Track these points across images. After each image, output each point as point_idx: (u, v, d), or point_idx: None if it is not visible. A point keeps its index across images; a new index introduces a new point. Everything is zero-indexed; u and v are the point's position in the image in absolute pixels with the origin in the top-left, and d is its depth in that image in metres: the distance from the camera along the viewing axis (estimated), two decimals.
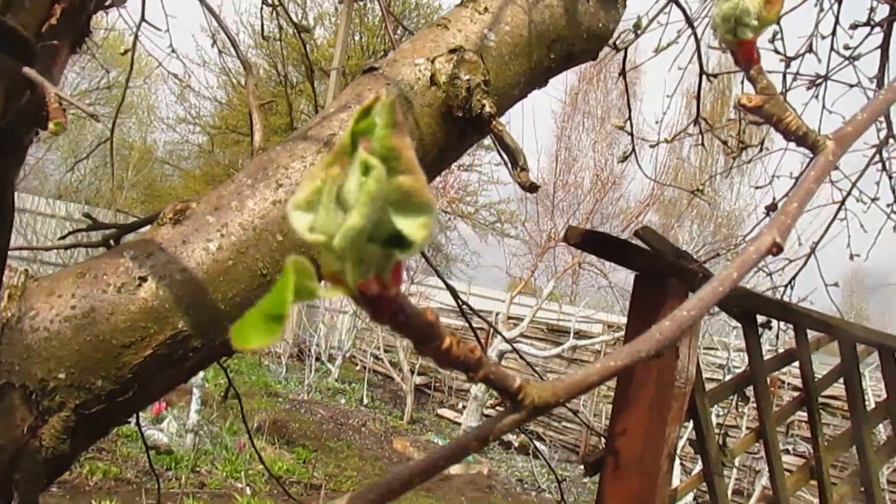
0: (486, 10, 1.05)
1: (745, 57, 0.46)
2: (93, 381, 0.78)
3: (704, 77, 2.87)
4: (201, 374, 6.49)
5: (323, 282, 0.27)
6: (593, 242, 1.78)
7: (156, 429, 6.57)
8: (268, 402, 9.00)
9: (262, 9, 2.08)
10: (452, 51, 0.98)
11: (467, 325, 1.83)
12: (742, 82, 2.97)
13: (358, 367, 12.78)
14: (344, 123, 0.94)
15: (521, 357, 2.34)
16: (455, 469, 7.62)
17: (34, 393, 0.75)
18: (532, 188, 0.96)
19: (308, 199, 0.26)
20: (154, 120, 19.79)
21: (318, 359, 11.33)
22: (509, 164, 0.99)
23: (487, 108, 0.97)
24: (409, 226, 0.25)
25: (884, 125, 3.18)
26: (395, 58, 1.01)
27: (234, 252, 0.85)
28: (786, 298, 3.82)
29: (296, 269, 0.25)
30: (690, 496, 5.91)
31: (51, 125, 0.56)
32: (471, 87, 0.96)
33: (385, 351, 11.08)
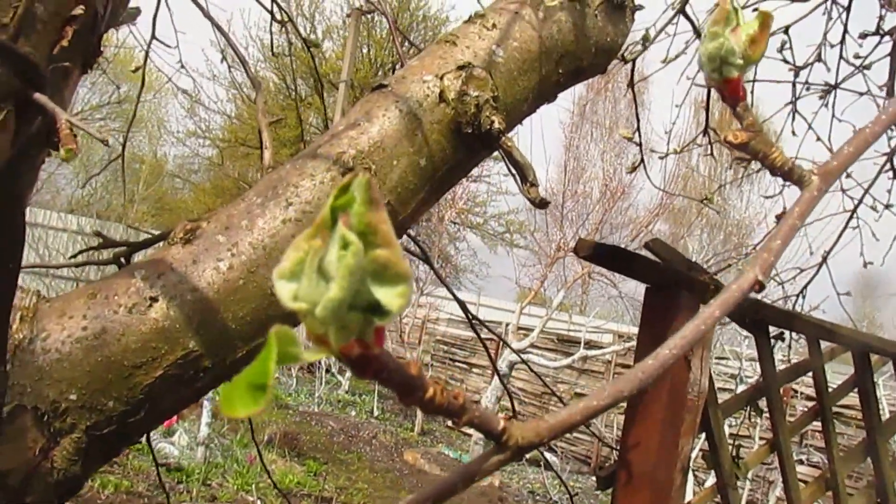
0: (494, 26, 1.05)
1: (732, 94, 0.47)
2: (104, 403, 0.78)
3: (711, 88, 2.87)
4: (216, 388, 6.48)
5: (308, 343, 0.29)
6: (603, 255, 1.77)
7: (167, 442, 6.58)
8: (278, 414, 9.00)
9: (271, 24, 2.09)
10: (461, 67, 0.98)
11: (477, 336, 1.82)
12: (752, 91, 2.96)
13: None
14: (353, 141, 0.94)
15: (530, 368, 2.33)
16: None
17: (46, 415, 0.75)
18: (542, 204, 0.96)
19: (292, 269, 0.28)
20: (164, 134, 19.92)
21: (328, 370, 11.33)
22: (518, 180, 0.99)
23: (496, 125, 0.97)
24: (386, 295, 0.27)
25: (894, 133, 3.17)
26: (403, 74, 1.01)
27: (244, 271, 0.85)
28: (798, 308, 3.80)
29: (279, 338, 0.27)
30: None
31: (62, 151, 0.56)
32: (480, 104, 0.96)
33: None
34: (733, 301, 0.43)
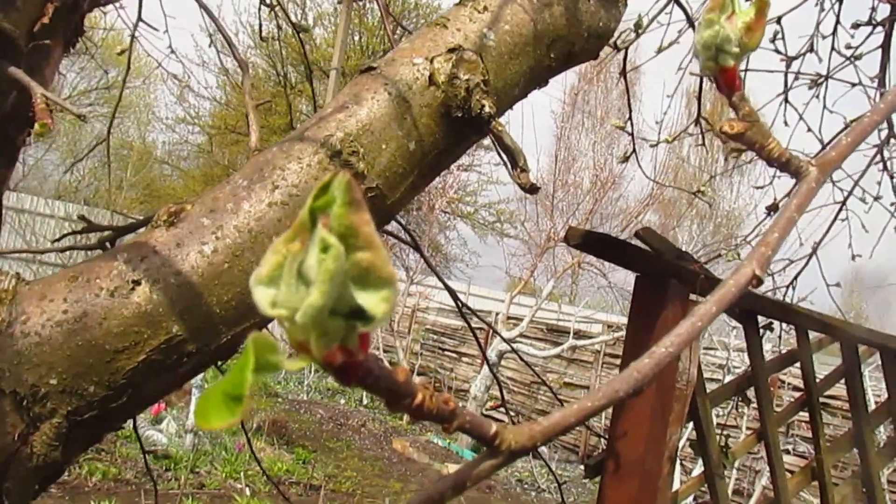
0: (485, 8, 1.03)
1: (727, 84, 0.46)
2: (85, 387, 0.76)
3: (705, 77, 2.86)
4: (200, 374, 6.47)
5: (289, 351, 0.28)
6: (594, 244, 1.77)
7: (155, 429, 6.56)
8: (267, 402, 8.99)
9: (259, 9, 2.07)
10: (451, 50, 0.97)
11: (467, 325, 1.81)
12: (744, 79, 2.95)
13: None
14: (341, 124, 0.92)
15: (520, 358, 2.33)
16: (454, 470, 7.60)
17: (25, 399, 0.74)
18: (532, 189, 0.95)
19: (270, 274, 0.26)
20: (153, 120, 19.77)
21: None
22: (509, 165, 0.98)
23: (487, 109, 0.95)
24: (369, 300, 0.26)
25: (885, 125, 3.17)
26: (393, 57, 1.00)
27: (229, 255, 0.83)
28: (787, 299, 3.81)
29: (257, 346, 0.26)
30: (690, 496, 5.89)
31: (36, 126, 0.55)
32: (470, 87, 0.95)
33: (385, 351, 11.06)
34: (730, 297, 0.42)
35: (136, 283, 0.79)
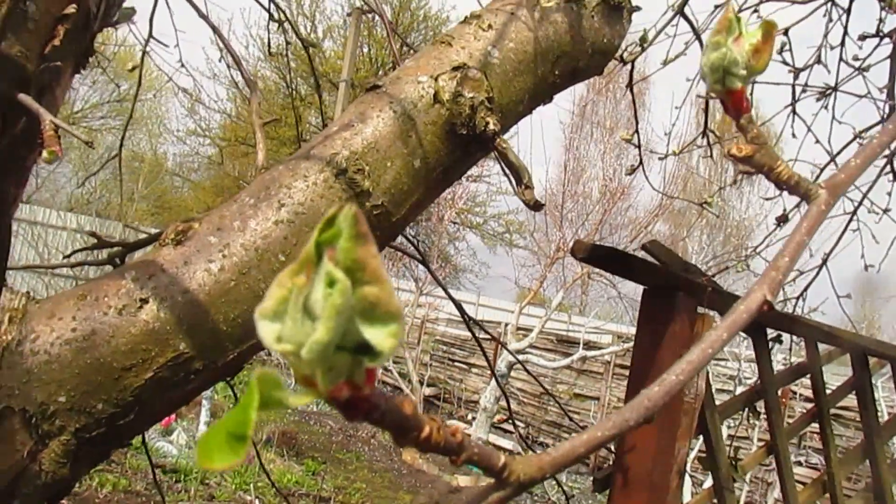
0: (489, 27, 1.04)
1: (735, 106, 0.46)
2: (93, 405, 0.77)
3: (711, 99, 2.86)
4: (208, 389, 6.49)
5: (294, 386, 0.27)
6: (600, 257, 1.77)
7: (165, 441, 6.57)
8: (277, 413, 8.99)
9: (268, 24, 2.08)
10: (456, 68, 0.98)
11: (474, 339, 1.81)
12: (752, 92, 2.95)
13: None
14: (346, 142, 0.93)
15: (527, 371, 2.32)
16: (464, 482, 7.58)
17: (34, 417, 0.74)
18: (536, 206, 0.95)
19: (275, 308, 0.26)
20: (164, 132, 19.91)
21: None
22: (513, 182, 0.99)
23: (491, 126, 0.96)
24: (376, 335, 0.26)
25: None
26: (398, 75, 1.01)
27: (235, 273, 0.84)
28: (798, 310, 3.79)
29: (261, 383, 0.26)
30: None
31: (45, 153, 0.56)
32: (474, 105, 0.95)
33: (394, 362, 11.05)
34: (741, 323, 0.42)
35: (144, 301, 0.80)
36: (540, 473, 0.34)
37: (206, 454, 0.26)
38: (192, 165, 19.92)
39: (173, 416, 7.04)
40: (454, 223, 14.47)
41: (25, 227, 11.66)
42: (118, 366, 0.78)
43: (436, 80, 0.97)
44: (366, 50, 15.03)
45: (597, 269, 10.28)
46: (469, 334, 11.50)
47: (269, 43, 2.02)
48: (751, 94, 2.97)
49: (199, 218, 0.89)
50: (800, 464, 6.11)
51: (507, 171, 0.99)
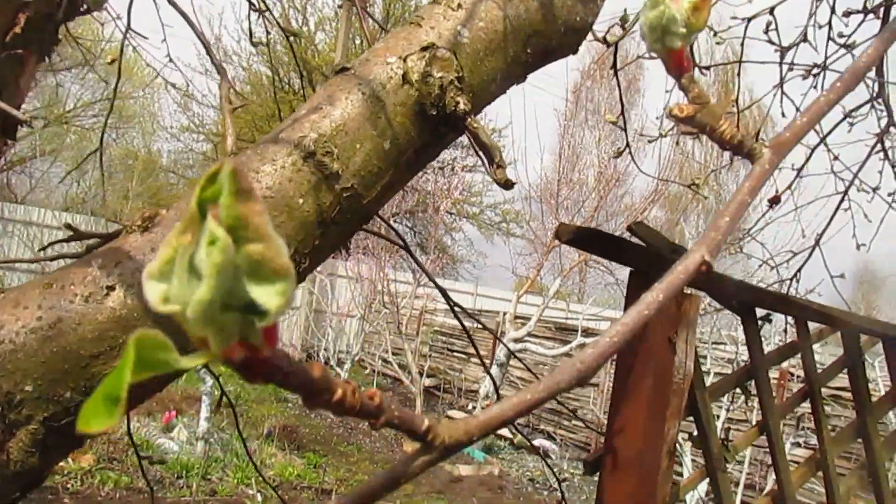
0: (459, 6, 1.03)
1: (676, 65, 0.45)
2: (61, 393, 0.77)
3: (700, 73, 2.85)
4: (209, 381, 6.50)
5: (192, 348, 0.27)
6: (585, 239, 1.76)
7: (166, 437, 6.58)
8: (277, 407, 9.01)
9: (249, 14, 2.07)
10: (425, 48, 0.97)
11: (475, 327, 1.81)
12: (738, 74, 2.94)
13: (367, 371, 12.79)
14: (315, 125, 0.92)
15: (521, 361, 2.32)
16: (465, 470, 7.60)
17: (0, 406, 0.74)
18: (507, 185, 0.95)
19: (161, 268, 0.26)
20: (157, 129, 19.86)
21: (326, 363, 11.34)
22: (485, 162, 0.98)
23: (462, 106, 0.95)
24: (262, 294, 0.25)
25: (884, 113, 3.15)
26: (367, 57, 1.00)
27: None
28: (792, 291, 3.79)
29: (141, 345, 0.25)
30: (702, 492, 5.87)
31: None
32: (444, 85, 0.95)
33: (394, 354, 11.07)
34: (678, 283, 0.42)
35: (111, 288, 0.80)
36: (466, 437, 0.34)
37: (84, 419, 0.25)
38: (187, 162, 19.88)
39: (174, 412, 7.05)
40: (450, 214, 14.47)
41: (21, 227, 11.66)
42: (85, 353, 0.78)
43: (404, 60, 0.96)
44: (358, 41, 14.98)
45: (594, 256, 10.27)
46: (468, 324, 11.51)
47: (250, 32, 2.00)
48: (738, 74, 2.97)
49: (167, 206, 0.88)
50: (798, 445, 6.12)
51: (479, 152, 0.99)
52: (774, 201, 3.02)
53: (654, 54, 0.45)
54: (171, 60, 3.39)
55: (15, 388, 0.75)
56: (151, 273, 0.26)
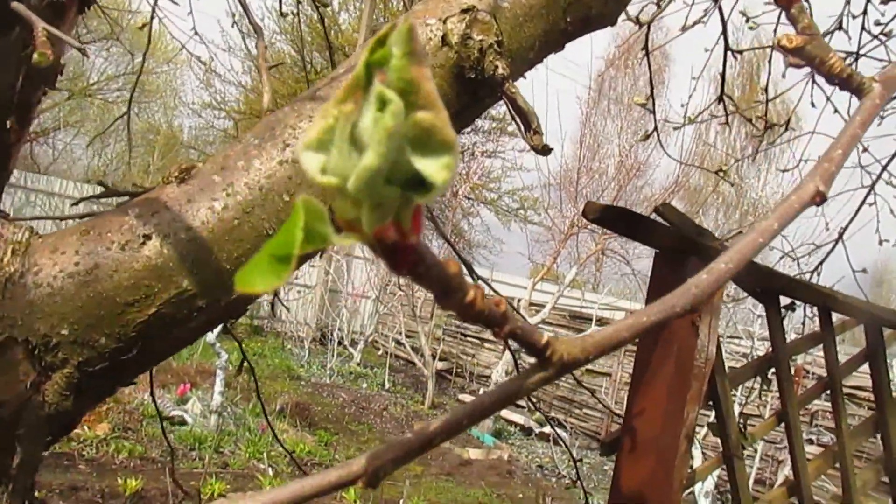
0: None
1: None
2: (96, 339, 0.77)
3: (731, 57, 2.82)
4: (224, 356, 6.55)
5: (337, 229, 0.25)
6: (612, 218, 1.75)
7: (180, 409, 6.65)
8: (290, 385, 9.07)
9: None
10: (465, 11, 0.96)
11: None
12: (769, 61, 2.91)
13: (380, 352, 12.84)
14: None
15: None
16: (475, 454, 7.63)
17: (37, 348, 0.75)
18: (545, 150, 0.94)
19: (320, 138, 0.24)
20: (179, 105, 19.92)
21: (340, 343, 11.40)
22: (522, 128, 0.97)
23: (500, 70, 0.94)
24: (429, 166, 0.23)
25: None
26: (406, 19, 0.99)
27: (239, 212, 0.83)
28: None
29: (306, 209, 0.23)
30: (712, 484, 5.86)
31: (35, 55, 0.55)
32: (483, 48, 0.94)
33: (407, 336, 11.11)
34: (792, 213, 0.39)
35: (147, 237, 0.80)
36: (584, 354, 0.32)
37: (246, 279, 0.24)
38: (208, 138, 19.92)
39: (188, 384, 7.11)
40: (468, 199, 14.44)
41: (43, 197, 11.77)
42: (121, 301, 0.78)
43: (444, 22, 0.95)
44: (382, 21, 14.93)
45: (611, 246, 10.24)
46: None
47: (280, 3, 2.00)
48: (769, 62, 2.92)
49: (205, 158, 0.88)
50: (811, 441, 6.09)
51: (516, 117, 0.98)
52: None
53: None
54: (196, 33, 3.40)
55: (51, 330, 0.75)
56: (309, 143, 0.24)
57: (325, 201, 0.24)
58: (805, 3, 2.58)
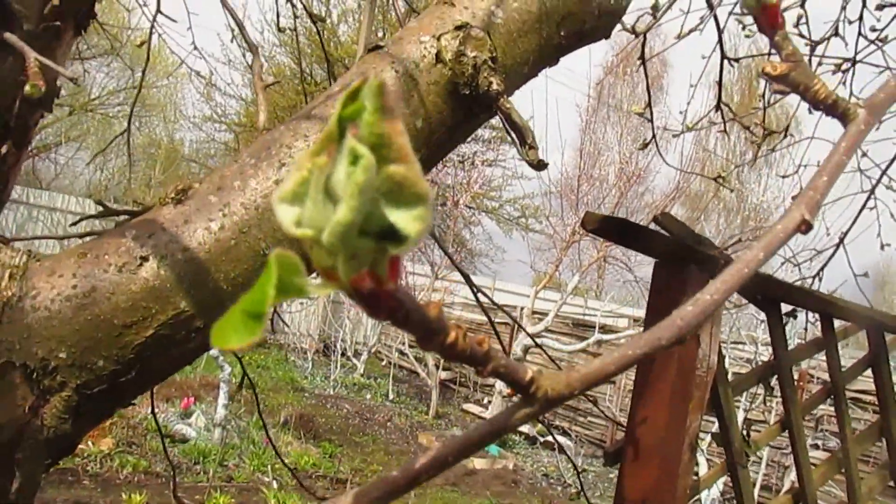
0: None
1: (770, 22, 0.43)
2: (94, 361, 0.77)
3: (728, 64, 2.82)
4: (228, 369, 6.54)
5: (315, 276, 0.25)
6: (611, 228, 1.75)
7: (184, 423, 6.64)
8: (294, 396, 9.06)
9: (276, 1, 2.08)
10: (459, 27, 0.96)
11: (488, 319, 1.80)
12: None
13: (383, 363, 12.82)
14: None
15: (545, 351, 2.31)
16: (480, 464, 7.61)
17: (35, 372, 0.75)
18: (540, 165, 0.94)
19: (294, 190, 0.24)
20: (180, 118, 19.97)
21: (343, 354, 11.39)
22: (517, 143, 0.97)
23: (494, 86, 0.95)
24: (402, 218, 0.24)
25: None
26: (400, 36, 1.00)
27: (236, 231, 0.84)
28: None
29: (280, 264, 0.24)
30: (718, 492, 5.83)
31: (27, 87, 0.56)
32: (477, 65, 0.94)
33: (410, 346, 11.09)
34: (777, 243, 0.40)
35: (144, 258, 0.80)
36: (568, 390, 0.32)
37: (221, 335, 0.24)
38: (209, 151, 19.97)
39: (192, 398, 7.10)
40: (469, 207, 14.45)
41: (45, 213, 11.80)
42: (119, 323, 0.78)
43: (438, 39, 0.96)
44: (381, 34, 14.98)
45: (613, 253, 10.23)
46: (485, 318, 11.51)
47: (277, 18, 2.01)
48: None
49: (201, 179, 0.88)
50: (816, 447, 6.07)
51: (511, 132, 0.98)
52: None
53: (745, 10, 0.43)
54: (195, 48, 3.41)
55: (49, 354, 0.76)
56: (284, 196, 0.24)
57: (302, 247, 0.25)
58: (801, 11, 2.58)
